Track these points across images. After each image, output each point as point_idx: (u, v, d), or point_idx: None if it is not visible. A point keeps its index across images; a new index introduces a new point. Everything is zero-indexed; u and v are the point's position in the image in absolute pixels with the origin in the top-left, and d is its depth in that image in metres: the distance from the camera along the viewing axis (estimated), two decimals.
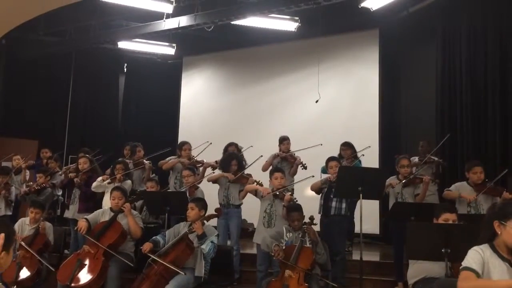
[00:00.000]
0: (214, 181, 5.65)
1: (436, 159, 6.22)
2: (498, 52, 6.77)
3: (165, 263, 4.19)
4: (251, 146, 6.33)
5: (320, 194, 5.25)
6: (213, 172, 5.91)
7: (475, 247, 2.52)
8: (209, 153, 6.44)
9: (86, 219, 4.81)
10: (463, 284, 2.41)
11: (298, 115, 8.77)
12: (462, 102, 7.10)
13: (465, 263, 2.47)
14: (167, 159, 6.43)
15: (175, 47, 9.41)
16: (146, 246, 4.38)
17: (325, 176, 5.45)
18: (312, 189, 5.25)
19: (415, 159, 6.17)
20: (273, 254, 4.24)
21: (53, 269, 4.71)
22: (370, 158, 6.93)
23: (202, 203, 4.59)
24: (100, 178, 5.70)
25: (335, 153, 6.19)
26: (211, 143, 6.42)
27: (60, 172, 6.73)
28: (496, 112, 6.69)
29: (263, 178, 5.45)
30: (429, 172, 5.91)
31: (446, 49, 7.44)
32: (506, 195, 4.76)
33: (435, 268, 3.52)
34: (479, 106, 6.91)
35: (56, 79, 9.90)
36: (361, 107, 8.30)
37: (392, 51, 8.44)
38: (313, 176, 5.25)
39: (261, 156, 5.93)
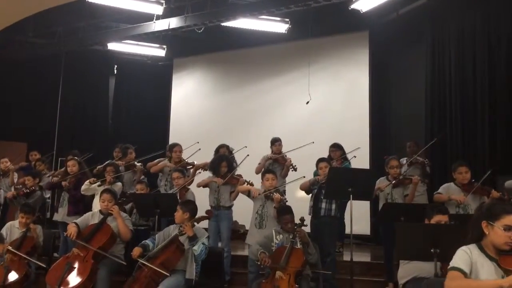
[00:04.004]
0: (205, 185, 5.63)
1: (421, 159, 6.27)
2: (487, 54, 6.85)
3: (153, 267, 4.16)
4: (245, 147, 6.31)
5: (310, 195, 5.26)
6: (200, 172, 5.90)
7: (463, 247, 2.54)
8: (200, 154, 6.43)
9: (75, 223, 4.77)
10: (450, 284, 2.44)
11: (288, 116, 8.78)
12: (451, 103, 7.17)
13: (453, 263, 2.50)
14: (156, 161, 6.41)
15: (166, 48, 9.39)
16: (136, 252, 4.35)
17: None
18: (301, 188, 5.25)
19: (404, 160, 6.21)
20: (258, 263, 4.24)
21: (43, 265, 4.73)
22: (360, 159, 6.96)
23: (188, 206, 4.55)
24: (87, 181, 5.66)
25: (326, 154, 6.21)
26: (198, 142, 6.42)
27: (48, 175, 6.68)
28: (485, 113, 6.76)
29: (254, 179, 5.45)
30: (416, 173, 5.94)
31: (435, 51, 7.51)
32: (494, 194, 4.79)
33: (425, 268, 3.54)
34: (468, 107, 6.98)
35: (45, 81, 9.82)
36: (351, 108, 8.33)
37: (382, 53, 8.49)
38: (304, 177, 5.26)
39: (248, 155, 5.91)
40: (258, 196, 4.94)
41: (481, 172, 5.40)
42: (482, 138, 6.73)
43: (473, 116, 6.90)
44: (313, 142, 6.37)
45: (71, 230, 4.63)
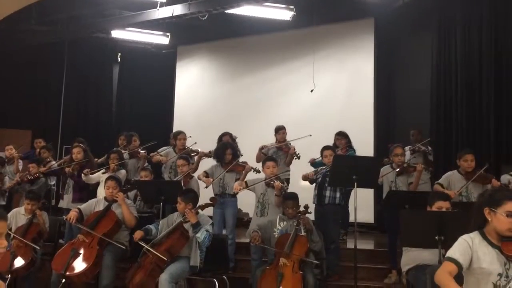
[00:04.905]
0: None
1: (423, 148, 6.26)
2: (493, 42, 6.79)
3: (157, 253, 4.20)
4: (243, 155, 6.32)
5: (314, 184, 5.26)
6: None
7: (464, 236, 2.53)
8: (203, 142, 6.44)
9: (78, 209, 4.82)
10: (438, 273, 2.46)
11: (293, 104, 8.75)
12: (457, 92, 7.12)
13: (450, 253, 2.49)
14: (160, 149, 6.42)
15: (169, 36, 9.33)
16: (137, 234, 4.42)
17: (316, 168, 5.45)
18: (303, 179, 5.25)
19: (407, 148, 6.19)
20: (250, 241, 4.27)
21: (36, 246, 4.73)
22: (364, 147, 6.97)
23: (189, 196, 4.55)
24: (82, 174, 5.68)
25: (330, 142, 6.20)
26: (191, 136, 6.42)
27: (53, 162, 6.71)
28: (491, 101, 6.72)
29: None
30: (419, 161, 5.93)
31: (441, 39, 7.44)
32: (494, 182, 4.78)
33: (428, 256, 3.55)
34: (473, 95, 6.94)
35: (49, 68, 9.81)
36: (356, 96, 8.28)
37: (387, 41, 8.41)
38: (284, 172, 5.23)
39: (242, 155, 5.97)
40: (259, 183, 4.94)
41: (486, 160, 5.38)
42: (488, 126, 6.70)
43: (479, 104, 6.86)
44: (311, 135, 6.33)
45: (71, 214, 4.69)
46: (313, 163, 6.01)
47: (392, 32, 8.36)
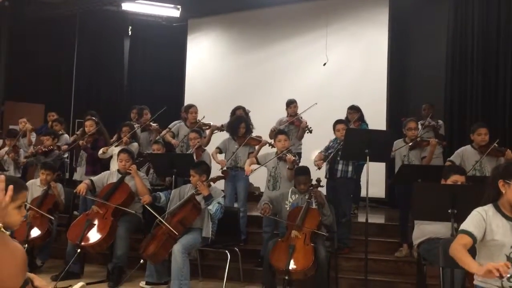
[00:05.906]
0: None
1: (432, 122, 6.18)
2: (511, 14, 6.60)
3: (169, 227, 4.25)
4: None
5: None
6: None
7: (478, 208, 2.52)
8: (216, 116, 6.42)
9: (90, 180, 4.88)
10: (452, 245, 2.46)
11: (305, 78, 8.65)
12: (473, 65, 6.98)
13: (463, 225, 2.50)
14: (172, 124, 6.42)
15: (180, 9, 9.23)
16: (146, 198, 4.56)
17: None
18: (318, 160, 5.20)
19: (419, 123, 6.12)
20: (259, 212, 4.29)
21: (51, 217, 4.84)
22: (377, 121, 6.90)
23: (202, 168, 4.56)
24: (101, 151, 5.73)
25: (343, 116, 6.14)
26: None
27: (65, 135, 6.77)
28: (508, 76, 6.59)
29: None
30: (431, 136, 5.87)
31: (458, 11, 7.25)
32: (509, 153, 4.72)
33: (439, 229, 3.55)
34: (490, 68, 6.81)
35: (61, 41, 9.79)
36: (369, 69, 8.16)
37: (402, 13, 8.22)
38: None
39: (254, 128, 5.90)
40: (272, 158, 4.93)
41: (502, 134, 5.32)
42: (503, 99, 6.59)
43: (495, 79, 6.73)
44: (316, 103, 6.24)
45: (81, 186, 4.76)
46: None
47: (407, 4, 8.16)
